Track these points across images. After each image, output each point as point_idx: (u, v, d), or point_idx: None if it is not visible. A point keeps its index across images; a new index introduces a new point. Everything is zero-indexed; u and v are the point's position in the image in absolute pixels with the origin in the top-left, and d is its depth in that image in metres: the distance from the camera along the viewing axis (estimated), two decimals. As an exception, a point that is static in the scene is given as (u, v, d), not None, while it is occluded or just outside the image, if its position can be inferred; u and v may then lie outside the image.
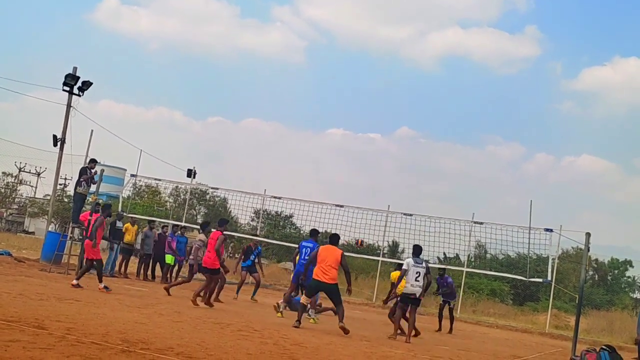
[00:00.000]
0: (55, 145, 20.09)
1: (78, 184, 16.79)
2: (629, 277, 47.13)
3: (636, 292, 46.44)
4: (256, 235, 18.51)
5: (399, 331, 11.49)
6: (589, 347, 11.67)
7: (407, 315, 11.87)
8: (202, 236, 13.95)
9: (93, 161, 17.28)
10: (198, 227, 31.23)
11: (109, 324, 7.51)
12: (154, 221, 20.15)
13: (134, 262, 19.35)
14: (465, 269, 23.39)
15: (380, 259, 22.94)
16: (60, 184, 36.04)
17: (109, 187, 31.17)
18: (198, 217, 44.89)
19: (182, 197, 43.54)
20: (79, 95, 20.11)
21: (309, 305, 11.75)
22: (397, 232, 18.18)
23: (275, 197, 18.89)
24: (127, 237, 18.19)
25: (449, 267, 23.45)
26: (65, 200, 41.22)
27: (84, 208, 17.62)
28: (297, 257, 13.10)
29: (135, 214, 23.37)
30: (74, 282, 11.98)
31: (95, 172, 17.01)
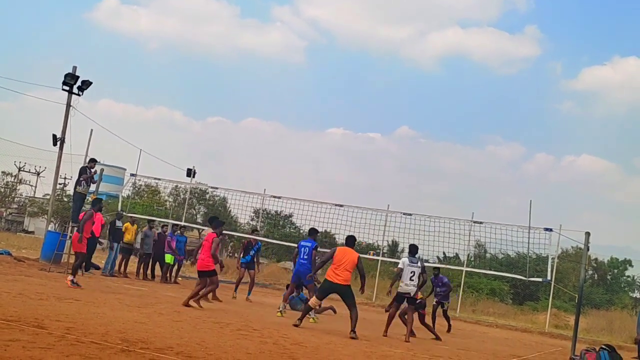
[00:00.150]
0: (54, 144, 20.06)
1: (78, 183, 16.80)
2: (628, 276, 47.18)
3: (636, 291, 46.51)
4: (256, 231, 18.48)
5: (408, 332, 11.38)
6: (588, 346, 11.68)
7: (405, 317, 11.89)
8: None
9: (93, 161, 17.29)
10: (197, 226, 31.70)
11: (109, 324, 7.51)
12: (153, 221, 20.13)
13: (133, 261, 19.35)
14: (464, 269, 23.40)
15: (380, 258, 22.94)
16: (59, 184, 36.04)
17: (108, 186, 31.19)
18: (198, 216, 44.87)
19: (182, 196, 43.49)
20: (78, 95, 20.08)
21: (315, 306, 11.63)
22: (397, 231, 18.20)
23: (274, 197, 18.88)
24: (127, 237, 18.18)
25: (448, 266, 23.54)
26: (65, 199, 41.23)
27: (83, 207, 17.60)
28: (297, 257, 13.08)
29: (135, 213, 23.39)
30: (70, 278, 11.98)
31: (95, 172, 17.02)
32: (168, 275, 18.31)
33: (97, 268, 17.46)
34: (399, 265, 11.75)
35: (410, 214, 17.35)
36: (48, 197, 39.94)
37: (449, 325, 15.40)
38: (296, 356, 7.16)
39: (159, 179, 22.93)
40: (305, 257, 12.46)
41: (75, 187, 17.04)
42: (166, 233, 18.76)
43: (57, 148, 20.09)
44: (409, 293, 11.47)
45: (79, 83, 19.93)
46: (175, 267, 18.65)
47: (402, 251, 26.48)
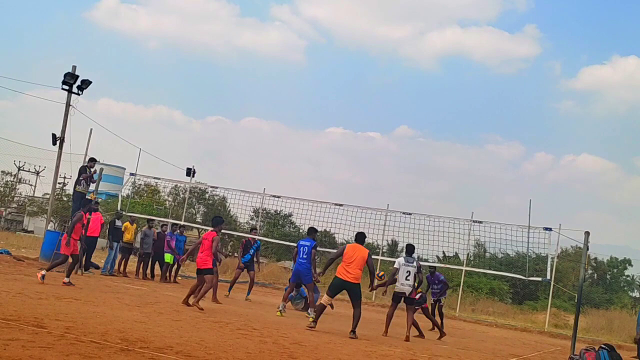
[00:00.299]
0: (54, 144, 20.02)
1: (77, 182, 16.80)
2: (627, 276, 47.16)
3: (635, 291, 46.49)
4: (255, 230, 18.47)
5: (408, 331, 11.37)
6: (588, 345, 11.67)
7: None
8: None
9: (92, 160, 17.28)
10: (197, 226, 31.68)
11: (108, 323, 7.51)
12: (153, 220, 20.14)
13: (133, 261, 19.35)
14: (464, 268, 23.39)
15: (380, 257, 22.94)
16: (59, 183, 36.02)
17: (108, 186, 31.23)
18: (197, 216, 44.84)
19: (182, 196, 43.44)
20: (78, 94, 20.04)
21: (328, 304, 11.54)
22: (397, 231, 18.25)
23: (274, 196, 18.92)
24: (126, 236, 18.18)
25: (448, 265, 23.55)
26: (65, 199, 41.22)
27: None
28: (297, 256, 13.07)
29: (135, 212, 23.39)
30: (65, 279, 12.04)
31: (95, 171, 17.02)
32: (168, 274, 18.31)
33: (97, 267, 17.47)
34: (395, 265, 11.82)
35: (409, 214, 17.39)
36: (47, 196, 39.89)
37: (442, 322, 15.36)
38: (296, 355, 7.16)
39: (159, 179, 22.97)
40: (305, 256, 12.46)
41: (74, 187, 17.04)
42: (166, 232, 18.76)
43: (56, 147, 20.05)
44: (404, 292, 11.52)
45: (78, 82, 19.89)
46: (175, 266, 18.65)
47: (402, 250, 26.44)
